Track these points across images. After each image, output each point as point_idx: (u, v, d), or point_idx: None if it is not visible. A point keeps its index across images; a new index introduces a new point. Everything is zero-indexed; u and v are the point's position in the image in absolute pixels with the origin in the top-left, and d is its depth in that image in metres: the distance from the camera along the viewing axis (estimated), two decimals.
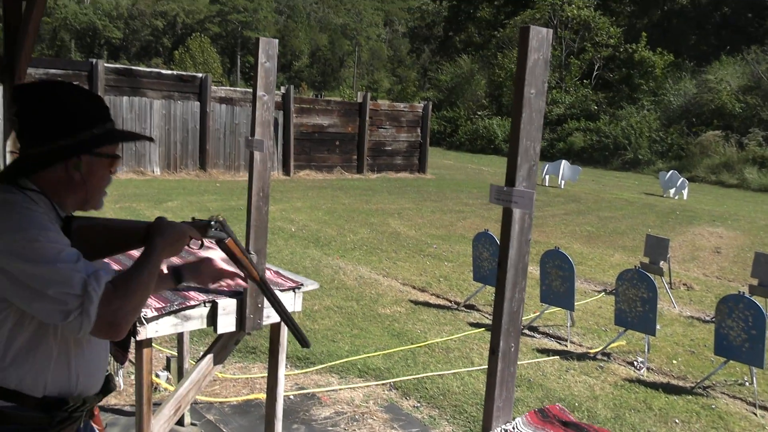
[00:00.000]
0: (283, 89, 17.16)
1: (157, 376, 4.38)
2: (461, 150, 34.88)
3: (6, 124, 3.65)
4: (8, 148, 3.60)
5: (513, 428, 1.83)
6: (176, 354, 4.15)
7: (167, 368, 4.38)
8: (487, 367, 1.83)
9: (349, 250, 9.26)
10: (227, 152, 16.37)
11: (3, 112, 3.71)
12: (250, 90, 17.82)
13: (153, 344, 3.63)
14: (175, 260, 2.22)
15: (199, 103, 15.63)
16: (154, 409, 2.73)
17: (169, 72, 16.74)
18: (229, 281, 2.01)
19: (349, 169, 18.65)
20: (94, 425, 1.90)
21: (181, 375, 3.88)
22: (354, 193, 15.19)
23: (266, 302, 2.80)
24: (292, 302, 2.92)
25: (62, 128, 1.54)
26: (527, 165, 1.77)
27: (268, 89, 2.64)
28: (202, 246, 1.83)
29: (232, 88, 18.00)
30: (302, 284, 2.96)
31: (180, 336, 3.90)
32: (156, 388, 4.28)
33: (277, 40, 2.68)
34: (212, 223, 1.84)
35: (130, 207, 11.06)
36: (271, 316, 2.84)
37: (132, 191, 12.75)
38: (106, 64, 14.56)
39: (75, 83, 1.69)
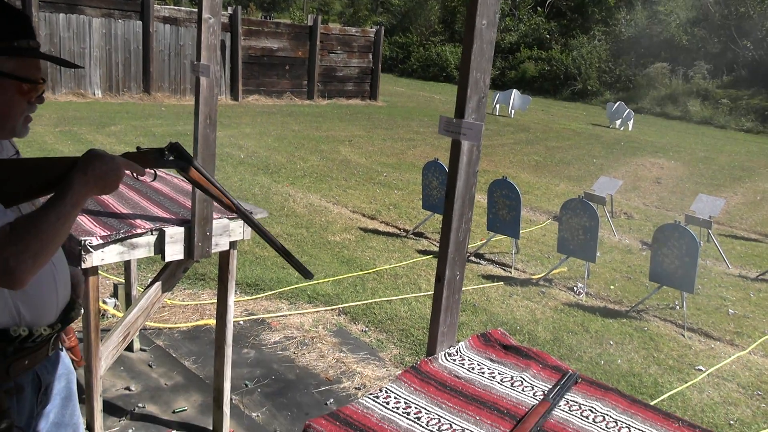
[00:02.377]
0: (230, 10, 16.52)
1: (105, 302, 4.36)
2: (413, 77, 34.54)
3: None
4: None
5: (456, 352, 1.91)
6: (123, 281, 4.13)
7: (115, 295, 4.36)
8: (433, 293, 1.89)
9: (299, 178, 9.21)
10: (172, 75, 15.81)
11: None
12: (196, 10, 17.04)
13: (100, 271, 3.60)
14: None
15: (141, 22, 14.94)
16: (103, 336, 2.73)
17: None
18: None
19: (299, 95, 18.31)
20: (69, 356, 1.88)
21: (129, 302, 3.87)
22: (304, 120, 14.99)
23: (215, 230, 2.79)
24: (241, 231, 2.92)
25: None
26: (477, 97, 1.78)
27: (214, 11, 2.55)
28: (155, 178, 1.76)
29: (176, 8, 17.22)
30: (251, 212, 2.94)
31: (127, 263, 3.87)
32: (104, 314, 4.27)
33: None
34: (166, 151, 1.67)
35: (71, 131, 10.67)
36: (219, 244, 2.83)
37: (72, 114, 12.26)
38: None
39: None
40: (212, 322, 4.40)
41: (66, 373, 1.83)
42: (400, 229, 7.31)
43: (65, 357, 1.85)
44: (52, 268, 1.61)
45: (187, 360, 3.97)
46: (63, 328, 1.68)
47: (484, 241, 6.82)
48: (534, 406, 1.65)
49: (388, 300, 5.21)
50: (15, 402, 1.58)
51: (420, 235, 7.15)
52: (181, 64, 15.80)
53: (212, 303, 4.69)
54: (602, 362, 4.52)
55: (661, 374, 4.44)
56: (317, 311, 4.89)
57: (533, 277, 6.18)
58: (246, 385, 3.75)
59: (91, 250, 2.43)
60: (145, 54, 15.15)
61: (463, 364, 1.84)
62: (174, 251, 2.68)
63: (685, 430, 1.62)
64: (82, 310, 1.92)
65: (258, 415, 3.49)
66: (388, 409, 1.61)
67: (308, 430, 1.52)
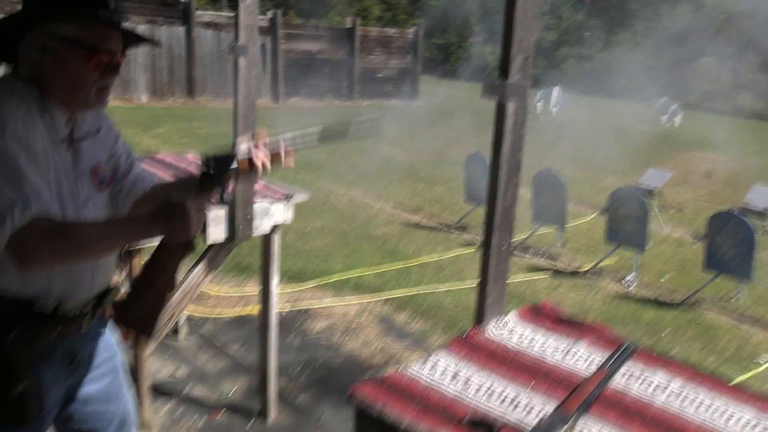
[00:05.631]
0: (270, 14, 16.69)
1: None
2: (453, 78, 34.37)
3: None
4: None
5: (505, 323, 1.84)
6: None
7: None
8: (480, 261, 1.83)
9: (340, 175, 9.22)
10: (215, 79, 16.02)
11: None
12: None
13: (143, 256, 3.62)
14: None
15: (184, 28, 15.20)
16: None
17: None
18: None
19: (339, 96, 18.37)
20: (118, 328, 1.83)
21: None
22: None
23: (256, 213, 2.77)
24: (283, 214, 2.90)
25: None
26: (521, 56, 1.71)
27: None
28: (223, 199, 1.67)
29: (217, 13, 17.50)
30: (293, 194, 2.93)
31: None
32: None
33: None
34: (207, 170, 1.57)
35: None
36: (261, 227, 2.82)
37: (119, 118, 12.29)
38: None
39: None
40: (257, 310, 4.40)
41: (109, 346, 1.81)
42: (442, 223, 7.24)
43: (110, 332, 1.83)
44: None
45: (233, 346, 3.98)
46: (95, 311, 1.65)
47: (528, 234, 6.69)
48: (590, 375, 1.57)
49: (432, 291, 5.15)
50: (44, 368, 1.56)
51: (463, 228, 7.06)
52: (223, 68, 16.00)
53: (257, 293, 4.70)
54: (656, 353, 4.37)
55: (719, 365, 4.27)
56: (361, 301, 4.85)
57: (581, 269, 6.04)
58: (291, 371, 3.74)
59: None
60: (188, 59, 15.40)
61: (513, 335, 1.78)
62: (216, 233, 2.68)
63: (757, 401, 1.52)
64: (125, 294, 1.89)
65: (303, 400, 3.47)
66: (435, 376, 1.56)
67: (354, 395, 1.48)
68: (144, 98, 14.90)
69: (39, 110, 1.43)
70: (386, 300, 4.92)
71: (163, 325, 2.74)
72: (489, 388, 1.51)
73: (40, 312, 1.50)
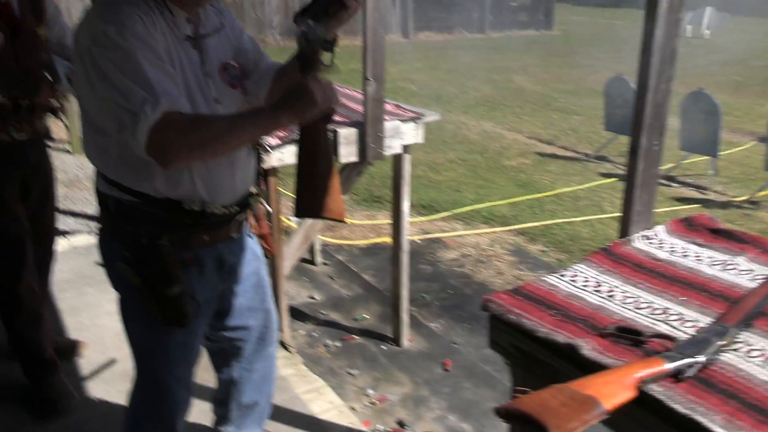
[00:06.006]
0: None
1: (289, 219, 4.55)
2: (590, 4, 32.25)
3: None
4: None
5: (654, 235, 1.69)
6: None
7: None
8: (619, 214, 1.68)
9: (471, 107, 9.01)
10: None
11: None
12: None
13: (282, 189, 3.73)
14: None
15: None
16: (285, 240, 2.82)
17: None
18: None
19: (469, 28, 17.85)
20: (261, 243, 1.88)
21: None
22: (475, 52, 14.59)
23: (387, 132, 2.73)
24: (413, 133, 2.84)
25: None
26: None
27: None
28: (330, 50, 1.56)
29: None
30: (423, 114, 2.86)
31: None
32: (287, 231, 4.46)
33: None
34: (307, 22, 1.45)
35: None
36: (392, 146, 2.78)
37: None
38: None
39: None
40: (389, 239, 4.44)
41: (255, 259, 1.84)
42: (580, 153, 6.90)
43: (255, 244, 1.86)
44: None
45: (366, 273, 4.04)
46: (241, 213, 1.68)
47: (675, 164, 6.23)
48: (753, 289, 1.41)
49: (568, 221, 4.94)
50: (195, 274, 1.61)
51: (602, 158, 6.69)
52: None
53: (389, 223, 4.73)
54: None
55: None
56: (493, 231, 4.76)
57: (735, 199, 5.55)
58: (423, 298, 3.75)
59: (269, 150, 2.48)
60: None
61: (662, 247, 1.63)
62: (348, 153, 2.67)
63: None
64: (267, 207, 1.91)
65: (436, 326, 3.47)
66: (576, 286, 1.46)
67: (488, 304, 1.42)
68: (279, 39, 15.25)
69: (158, 8, 1.42)
70: (519, 231, 4.79)
71: (300, 244, 2.81)
72: (636, 299, 1.40)
73: (189, 212, 1.53)
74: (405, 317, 3.23)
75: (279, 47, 14.87)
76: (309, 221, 2.81)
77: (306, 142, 1.53)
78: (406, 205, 2.96)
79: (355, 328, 3.42)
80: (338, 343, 3.26)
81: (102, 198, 1.57)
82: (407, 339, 3.28)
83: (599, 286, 1.46)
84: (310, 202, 1.56)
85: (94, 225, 4.94)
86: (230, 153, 1.52)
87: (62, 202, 4.54)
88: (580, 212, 5.15)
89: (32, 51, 2.32)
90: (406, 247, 3.07)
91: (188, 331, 1.62)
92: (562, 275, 1.51)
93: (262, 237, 1.92)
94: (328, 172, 1.56)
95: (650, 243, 1.64)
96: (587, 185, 5.80)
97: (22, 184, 2.40)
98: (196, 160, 1.46)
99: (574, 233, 4.73)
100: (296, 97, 1.39)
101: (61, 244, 3.49)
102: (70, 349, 2.81)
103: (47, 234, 2.61)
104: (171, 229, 1.53)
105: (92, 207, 5.37)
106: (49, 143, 2.67)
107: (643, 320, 1.31)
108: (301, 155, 1.56)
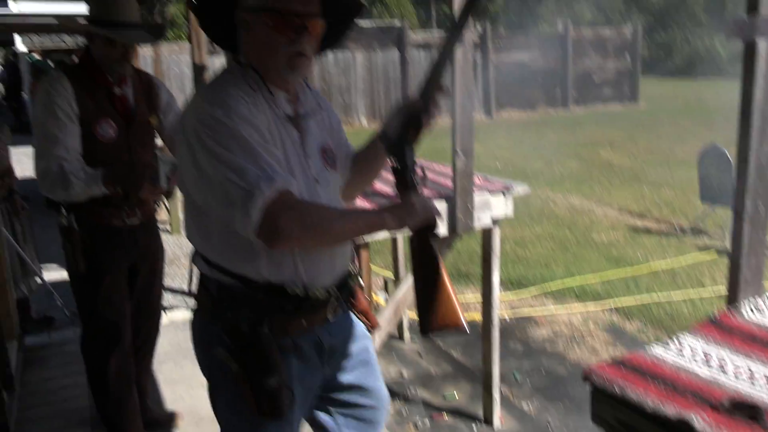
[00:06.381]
0: (480, 29, 16.81)
1: (377, 294, 4.58)
2: (678, 77, 31.82)
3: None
4: None
5: (765, 304, 1.60)
6: (393, 276, 4.30)
7: (385, 289, 4.56)
8: (725, 290, 1.61)
9: (557, 182, 8.92)
10: None
11: None
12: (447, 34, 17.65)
13: (372, 265, 3.78)
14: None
15: (398, 51, 15.88)
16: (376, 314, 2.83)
17: (369, 25, 17.17)
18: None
19: (553, 104, 17.88)
20: (361, 319, 1.80)
21: (397, 279, 4.03)
22: (560, 127, 14.57)
23: (476, 205, 2.74)
24: (503, 206, 2.84)
25: None
26: None
27: None
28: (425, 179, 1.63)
29: (429, 34, 18.04)
30: (512, 187, 2.86)
31: (394, 242, 4.00)
32: (377, 307, 4.48)
33: None
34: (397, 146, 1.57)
35: None
36: (481, 219, 2.78)
37: None
38: None
39: None
40: (477, 316, 4.37)
41: (359, 337, 1.77)
42: (674, 227, 6.65)
43: (357, 322, 1.78)
44: None
45: (455, 350, 3.98)
46: (341, 296, 1.63)
47: None
48: None
49: (666, 299, 4.73)
50: (294, 361, 1.56)
51: (699, 231, 6.42)
52: None
53: (477, 300, 4.67)
54: None
55: None
56: (586, 309, 4.60)
57: None
58: (514, 377, 3.64)
59: None
60: (403, 81, 16.06)
61: None
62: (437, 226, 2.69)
63: None
64: (362, 283, 1.87)
65: (528, 406, 3.35)
66: (683, 358, 1.39)
67: (591, 376, 1.37)
68: (364, 121, 15.78)
69: (260, 89, 1.45)
70: (614, 308, 4.61)
71: (390, 318, 2.81)
72: (750, 372, 1.31)
73: (291, 297, 1.50)
74: (496, 396, 3.14)
75: (364, 129, 15.36)
76: (397, 296, 2.81)
77: (415, 254, 1.56)
78: (496, 280, 2.93)
79: (444, 406, 3.35)
80: (428, 422, 3.18)
81: (202, 280, 1.56)
82: (499, 419, 3.17)
83: (708, 357, 1.38)
84: (425, 314, 1.55)
85: (191, 301, 5.14)
86: (332, 245, 1.51)
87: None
88: (678, 288, 4.92)
89: (144, 141, 2.47)
90: (496, 322, 3.02)
91: (284, 422, 1.56)
92: (667, 346, 1.44)
93: (361, 312, 1.88)
94: (437, 282, 1.56)
95: (762, 312, 1.55)
96: (684, 260, 5.55)
97: (131, 268, 2.52)
98: (302, 245, 1.44)
99: (673, 311, 4.51)
100: (400, 206, 1.46)
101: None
102: (167, 420, 2.88)
103: (153, 312, 2.74)
104: (272, 315, 1.50)
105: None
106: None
107: (759, 394, 1.23)
108: (416, 270, 1.57)
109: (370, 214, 1.47)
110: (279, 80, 1.48)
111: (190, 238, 1.55)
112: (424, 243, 1.55)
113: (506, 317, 4.44)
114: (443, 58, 1.53)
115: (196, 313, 1.60)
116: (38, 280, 4.37)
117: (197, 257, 1.56)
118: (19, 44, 17.40)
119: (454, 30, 1.51)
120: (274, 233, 1.32)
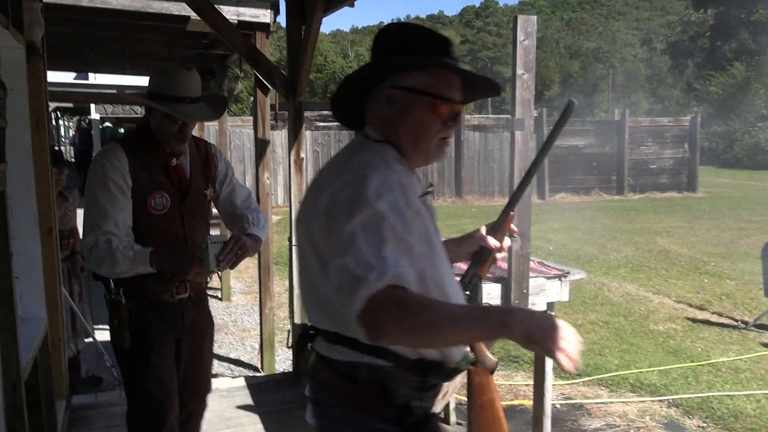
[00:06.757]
0: (535, 113, 16.98)
1: None
2: (738, 167, 31.23)
3: (291, 135, 4.06)
4: (292, 158, 4.00)
5: None
6: None
7: None
8: None
9: (612, 268, 8.72)
10: (481, 178, 16.63)
11: (289, 124, 4.12)
12: (503, 116, 17.87)
13: None
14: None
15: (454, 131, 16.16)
16: None
17: None
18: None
19: (608, 190, 17.74)
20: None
21: None
22: (615, 213, 14.37)
23: (531, 289, 2.70)
24: (558, 291, 2.78)
25: (377, 47, 1.43)
26: None
27: (527, 67, 2.59)
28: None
29: (484, 116, 18.33)
30: (568, 272, 2.81)
31: None
32: None
33: (535, 17, 2.63)
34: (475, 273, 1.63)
35: None
36: (536, 303, 2.73)
37: None
38: None
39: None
40: (527, 402, 4.22)
41: None
42: (737, 321, 6.37)
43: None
44: None
45: None
46: (464, 368, 1.51)
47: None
48: None
49: (729, 395, 4.48)
50: None
51: (763, 327, 6.13)
52: (489, 167, 16.55)
53: (526, 384, 4.53)
54: None
55: None
56: (642, 401, 4.39)
57: None
58: None
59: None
60: (456, 160, 16.24)
61: None
62: None
63: None
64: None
65: None
66: None
67: None
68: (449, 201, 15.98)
69: (403, 167, 1.41)
70: (672, 402, 4.39)
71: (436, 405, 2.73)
72: None
73: (439, 372, 1.40)
74: None
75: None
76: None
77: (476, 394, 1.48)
78: (549, 366, 2.84)
79: None
80: None
81: (343, 368, 1.40)
82: None
83: None
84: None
85: (236, 368, 5.11)
86: (441, 347, 1.37)
87: None
88: (741, 385, 4.67)
89: (197, 213, 2.42)
90: (548, 411, 2.91)
91: None
92: None
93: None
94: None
95: None
96: (748, 356, 5.29)
97: (177, 341, 2.45)
98: (406, 344, 1.30)
99: (736, 409, 4.27)
100: (526, 312, 1.33)
101: None
102: None
103: (200, 387, 2.64)
104: (421, 395, 1.40)
105: (236, 351, 5.58)
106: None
107: None
108: (472, 409, 1.50)
109: (490, 314, 1.23)
110: (418, 160, 1.45)
111: (314, 321, 1.45)
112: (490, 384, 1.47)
113: (557, 405, 4.27)
114: (516, 197, 1.67)
115: (332, 408, 1.44)
116: (88, 340, 4.44)
117: (328, 343, 1.42)
118: (94, 113, 18.45)
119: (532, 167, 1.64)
120: (371, 326, 1.19)
